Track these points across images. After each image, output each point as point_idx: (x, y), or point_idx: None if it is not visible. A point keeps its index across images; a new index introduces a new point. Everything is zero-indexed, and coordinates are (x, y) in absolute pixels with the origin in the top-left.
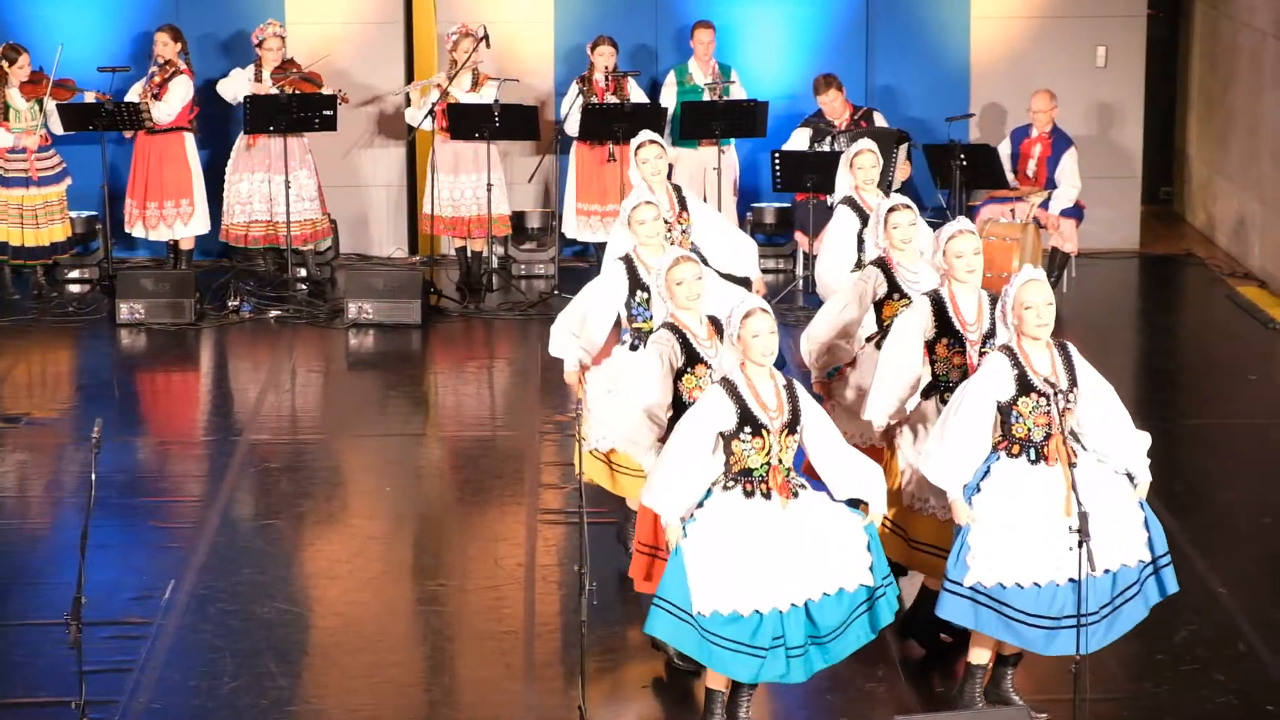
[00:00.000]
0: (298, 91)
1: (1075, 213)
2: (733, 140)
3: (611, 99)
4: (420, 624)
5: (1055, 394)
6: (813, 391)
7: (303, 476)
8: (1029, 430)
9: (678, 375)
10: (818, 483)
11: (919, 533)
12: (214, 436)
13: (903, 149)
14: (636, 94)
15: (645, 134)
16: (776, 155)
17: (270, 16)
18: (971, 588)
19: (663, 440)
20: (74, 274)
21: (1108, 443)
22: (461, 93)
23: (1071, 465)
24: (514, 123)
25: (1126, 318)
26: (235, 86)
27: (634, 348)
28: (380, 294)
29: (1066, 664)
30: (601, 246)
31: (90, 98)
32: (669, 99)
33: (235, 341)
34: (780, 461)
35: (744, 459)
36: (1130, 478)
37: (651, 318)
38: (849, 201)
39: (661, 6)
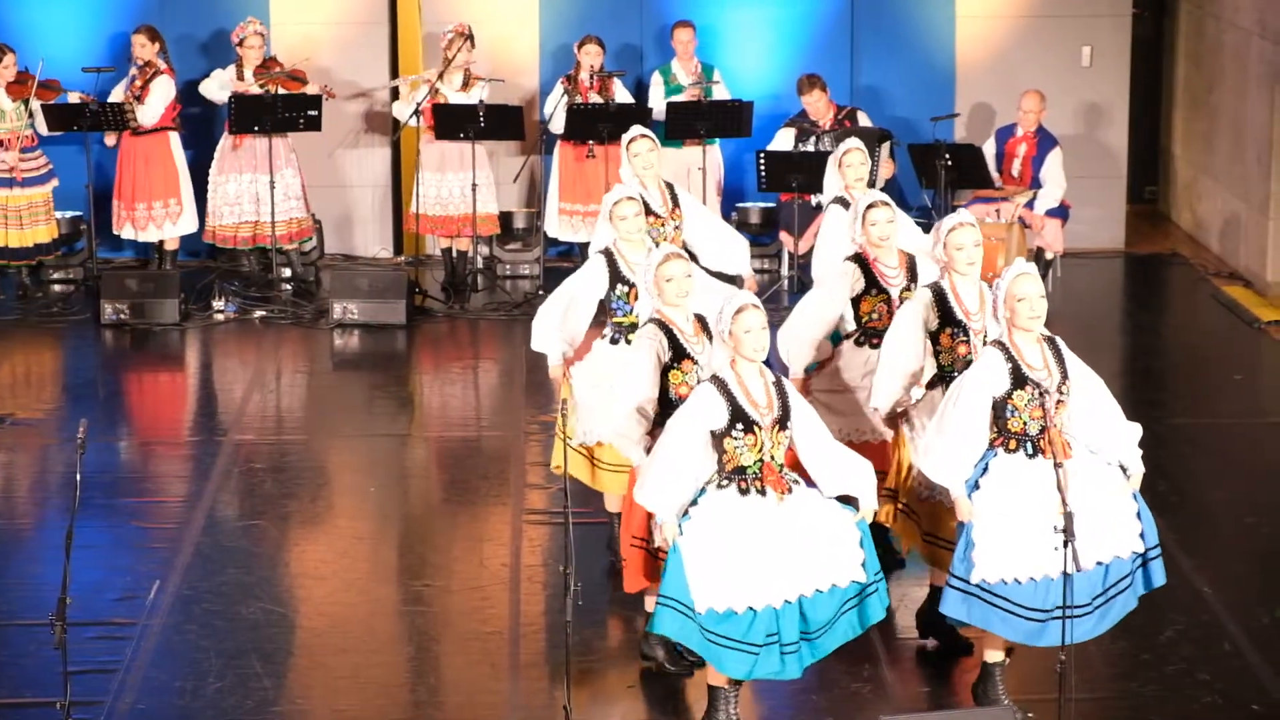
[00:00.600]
0: (282, 90)
1: (1060, 212)
2: (717, 140)
3: (596, 99)
4: (405, 624)
5: (1049, 387)
6: None
7: (288, 477)
8: (1024, 424)
9: (665, 371)
10: (808, 482)
11: (933, 524)
12: (199, 437)
13: (885, 147)
14: (622, 94)
15: (637, 128)
16: (761, 155)
17: (254, 16)
18: (978, 585)
19: (651, 435)
20: (59, 274)
21: (1099, 435)
22: (452, 92)
23: (1058, 465)
24: (499, 123)
25: (1112, 317)
26: (217, 87)
27: (614, 341)
28: (365, 294)
29: (1052, 663)
30: (585, 246)
31: (75, 98)
32: (657, 100)
33: (220, 342)
34: (773, 458)
35: (736, 456)
36: (1123, 469)
37: (631, 311)
38: (840, 201)
39: (646, 7)
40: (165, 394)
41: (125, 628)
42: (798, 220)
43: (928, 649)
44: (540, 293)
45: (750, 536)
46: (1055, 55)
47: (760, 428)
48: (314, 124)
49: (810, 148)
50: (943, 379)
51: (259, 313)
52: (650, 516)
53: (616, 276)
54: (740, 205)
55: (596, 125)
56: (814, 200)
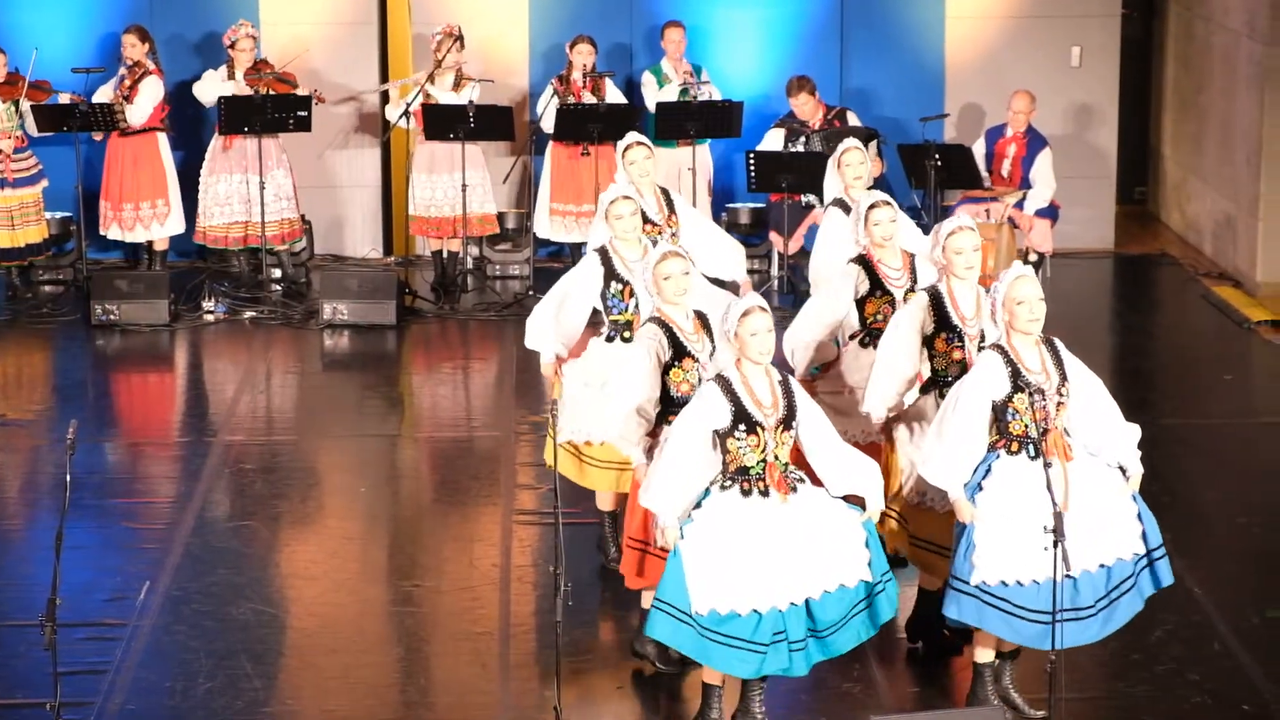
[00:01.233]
0: (272, 92)
1: (1050, 213)
2: (708, 140)
3: (589, 98)
4: (396, 625)
5: (1048, 389)
6: None
7: (278, 477)
8: (1025, 426)
9: (665, 369)
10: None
11: (921, 529)
12: (189, 437)
13: (873, 146)
14: (614, 94)
15: (632, 135)
16: (751, 156)
17: (244, 17)
18: (977, 586)
19: (651, 435)
20: (49, 275)
21: (1099, 436)
22: (443, 92)
23: (1047, 465)
24: (488, 123)
25: (1101, 318)
26: (209, 89)
27: (609, 339)
28: (355, 295)
29: (1042, 664)
30: (576, 247)
31: (65, 99)
32: (649, 99)
33: (210, 342)
34: (776, 458)
35: (740, 457)
36: (1123, 470)
37: (626, 309)
38: (839, 203)
39: (636, 7)
40: (155, 395)
41: (115, 628)
42: (787, 220)
43: (919, 653)
44: (530, 293)
45: (753, 539)
46: (1045, 56)
47: (764, 428)
48: (303, 124)
49: (799, 148)
50: (936, 384)
51: (249, 313)
52: (649, 518)
53: (611, 274)
54: (730, 205)
55: (586, 125)
56: (803, 200)
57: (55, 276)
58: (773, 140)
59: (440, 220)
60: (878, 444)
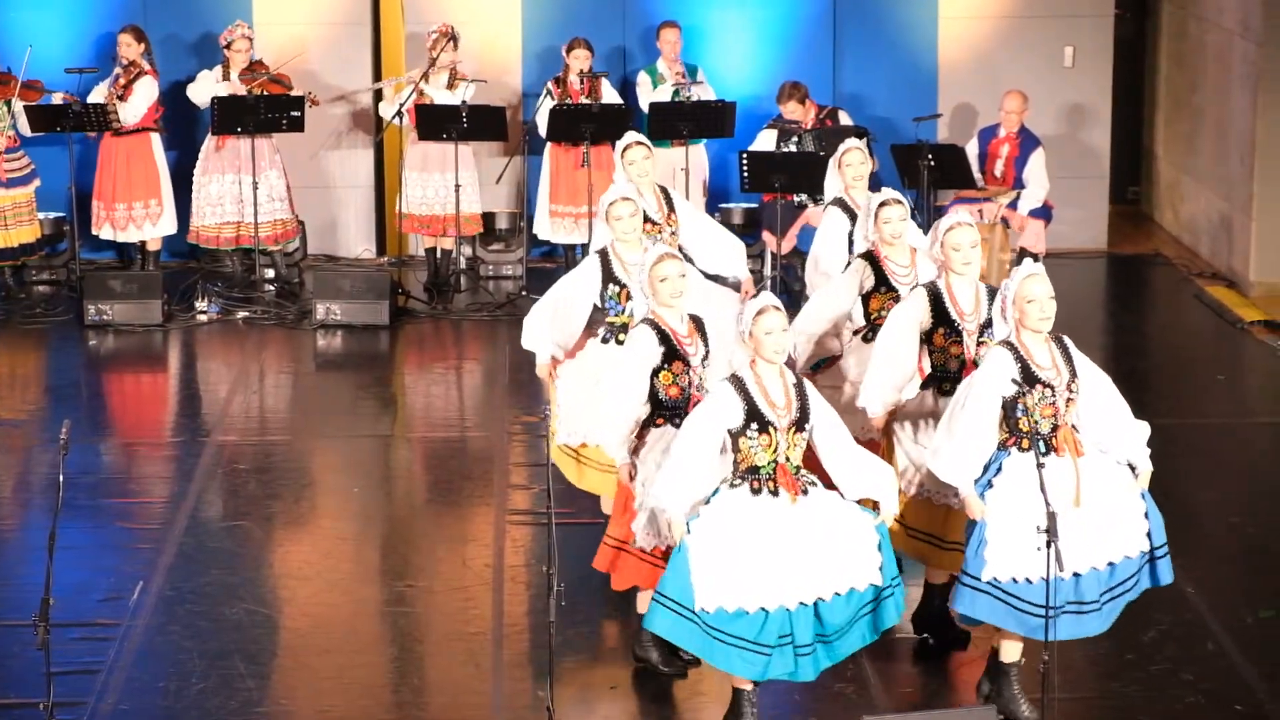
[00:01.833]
0: (265, 93)
1: (1043, 213)
2: (702, 140)
3: (585, 100)
4: (389, 625)
5: (1058, 385)
6: None
7: (271, 478)
8: (1035, 423)
9: (654, 372)
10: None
11: (916, 520)
12: (182, 437)
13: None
14: (610, 94)
15: (631, 135)
16: (744, 156)
17: (238, 17)
18: (989, 582)
19: (639, 437)
20: (42, 275)
21: (1108, 434)
22: (439, 91)
23: (1040, 465)
24: (481, 124)
25: (1095, 318)
26: (204, 90)
27: (605, 340)
28: (348, 295)
29: (1035, 663)
30: (572, 248)
31: (58, 99)
32: (645, 100)
33: (203, 342)
34: (788, 459)
35: (750, 456)
36: (1131, 468)
37: (624, 312)
38: (839, 203)
39: (629, 8)
40: (148, 395)
41: (109, 628)
42: (780, 220)
43: (929, 644)
44: (524, 293)
45: (760, 536)
46: (1038, 56)
47: (775, 429)
48: (296, 125)
49: (792, 148)
50: (935, 379)
51: (242, 313)
52: (628, 519)
53: (609, 277)
54: (723, 205)
55: (580, 126)
56: (796, 200)
57: (48, 276)
58: (765, 140)
59: (431, 218)
60: (876, 441)
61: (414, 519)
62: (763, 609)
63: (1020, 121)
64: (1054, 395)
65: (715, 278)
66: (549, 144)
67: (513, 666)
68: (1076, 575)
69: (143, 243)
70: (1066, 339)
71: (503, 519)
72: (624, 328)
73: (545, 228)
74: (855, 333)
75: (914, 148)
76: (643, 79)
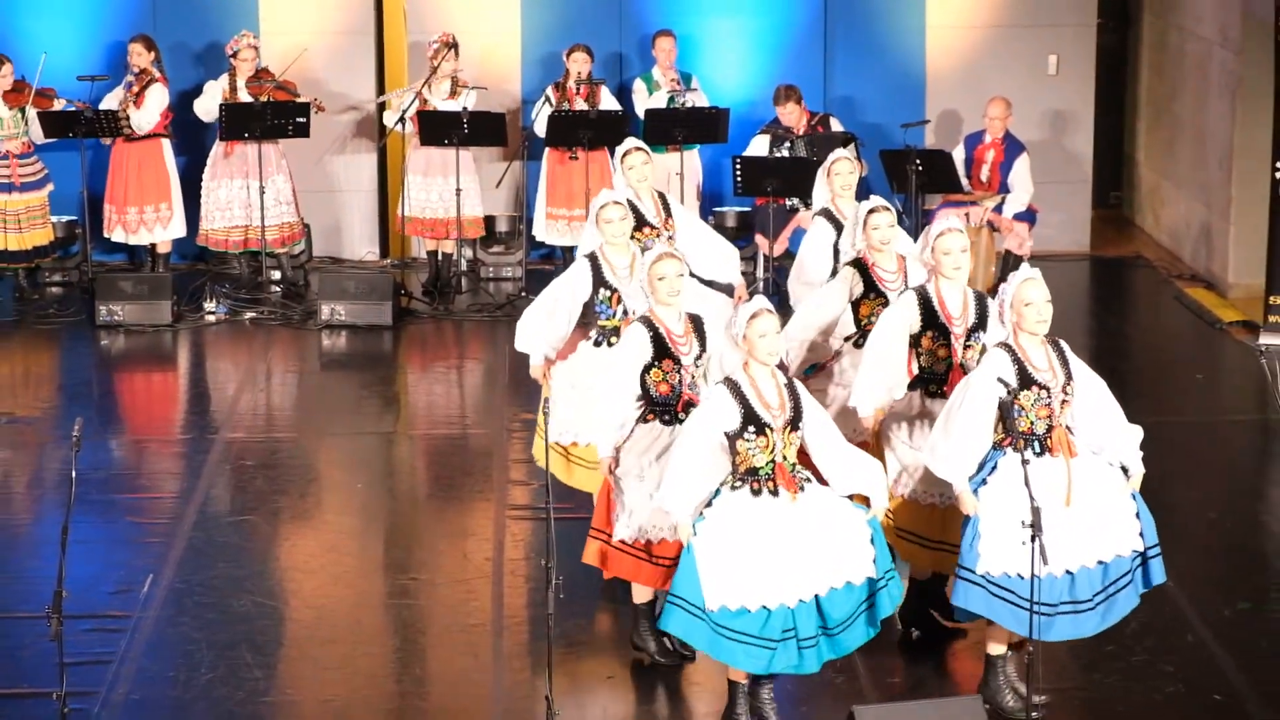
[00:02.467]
0: (272, 99)
1: (1028, 216)
2: (696, 146)
3: (583, 105)
4: (391, 617)
5: (1054, 387)
6: None
7: (277, 474)
8: (1031, 424)
9: (645, 368)
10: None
11: (905, 520)
12: (191, 435)
13: (850, 150)
14: (608, 101)
15: (631, 141)
16: (738, 161)
17: (244, 27)
18: (983, 576)
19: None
20: (55, 277)
21: (1102, 436)
22: (440, 99)
23: (1025, 463)
24: (482, 129)
25: (1077, 319)
26: (210, 103)
27: (597, 343)
28: (352, 296)
29: (1019, 655)
30: (570, 250)
31: (62, 104)
32: (640, 106)
33: (211, 342)
34: (785, 459)
35: (749, 458)
36: (1124, 470)
37: (614, 315)
38: (825, 214)
39: (626, 16)
40: (158, 393)
41: (120, 620)
42: (773, 223)
43: (912, 638)
44: (523, 294)
45: (764, 536)
46: (1023, 64)
47: (772, 429)
48: (302, 130)
49: (784, 153)
50: (922, 381)
51: (249, 314)
52: (609, 510)
53: (600, 280)
54: (717, 209)
55: (577, 131)
56: (788, 204)
57: (61, 278)
58: (758, 146)
59: (434, 221)
60: (867, 443)
61: (416, 514)
62: (765, 607)
63: (1005, 128)
64: (1049, 397)
65: (709, 283)
66: (548, 148)
67: (512, 657)
68: (1070, 574)
69: (153, 245)
70: (1062, 342)
71: (502, 514)
72: (615, 331)
73: (542, 229)
74: (846, 339)
75: (902, 153)
76: (638, 86)
